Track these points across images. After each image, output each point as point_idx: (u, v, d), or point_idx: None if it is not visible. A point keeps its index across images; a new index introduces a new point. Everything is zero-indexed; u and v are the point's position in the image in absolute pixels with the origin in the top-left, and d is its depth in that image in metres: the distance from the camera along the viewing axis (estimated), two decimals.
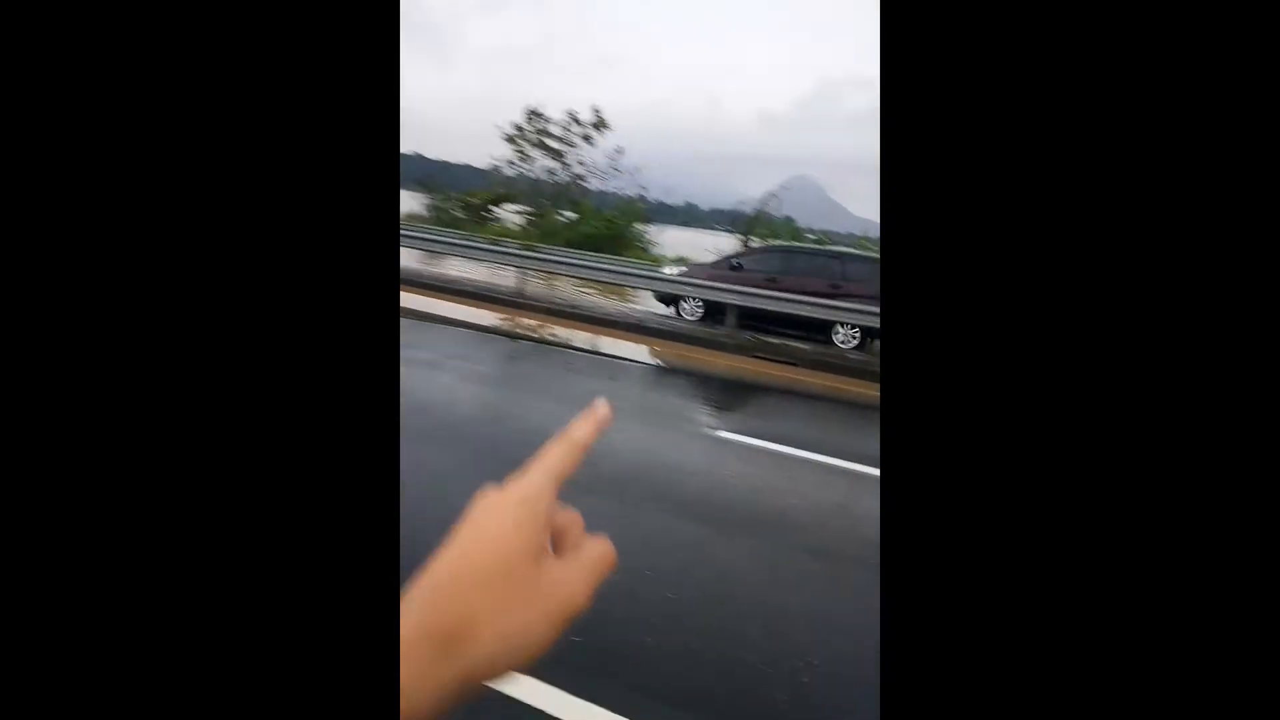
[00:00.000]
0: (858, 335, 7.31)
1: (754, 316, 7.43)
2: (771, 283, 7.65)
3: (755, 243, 12.26)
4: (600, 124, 18.48)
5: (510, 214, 18.45)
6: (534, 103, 19.09)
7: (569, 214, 17.82)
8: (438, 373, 4.85)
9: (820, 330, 7.43)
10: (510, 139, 18.88)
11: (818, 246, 11.12)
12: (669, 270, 9.20)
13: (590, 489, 3.07)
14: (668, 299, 8.48)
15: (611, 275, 8.72)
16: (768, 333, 7.52)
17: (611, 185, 19.21)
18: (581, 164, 19.08)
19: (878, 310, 5.83)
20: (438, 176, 21.70)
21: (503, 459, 3.34)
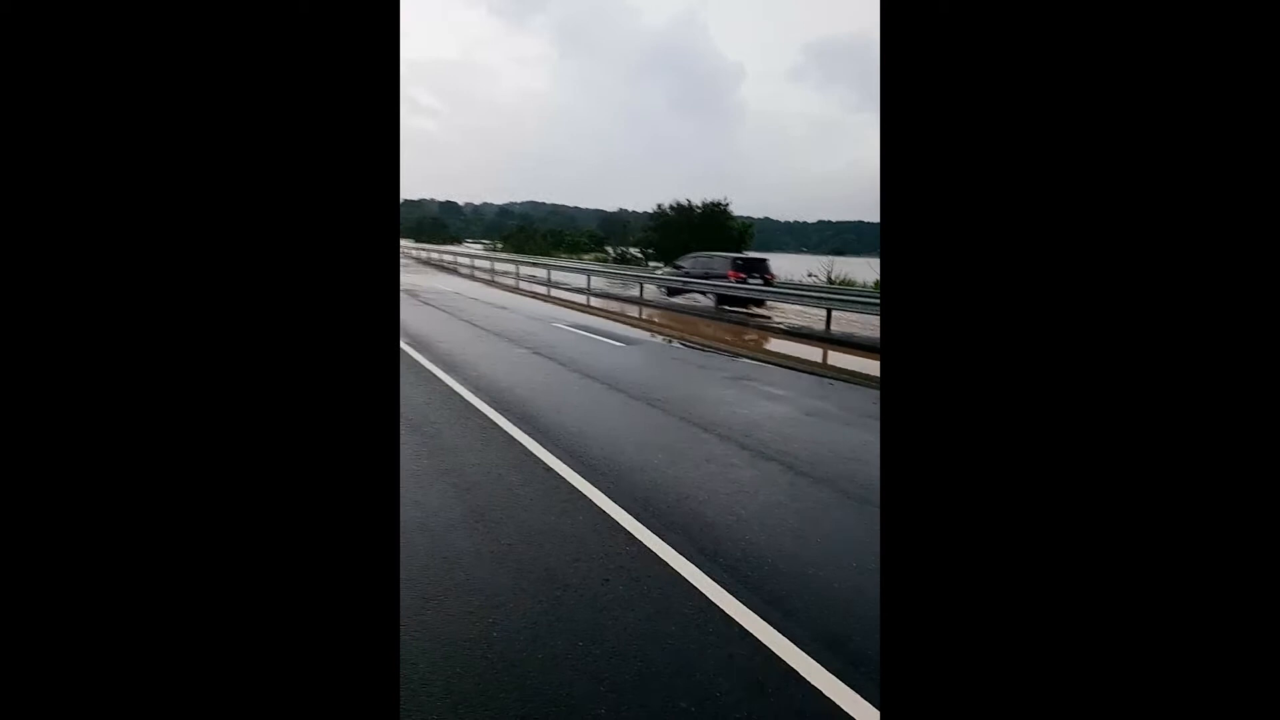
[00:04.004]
0: (712, 297, 13.95)
1: (677, 292, 15.45)
2: (685, 273, 15.51)
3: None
4: None
5: None
6: None
7: None
8: None
9: (699, 293, 14.47)
10: None
11: (702, 252, 17.00)
12: (660, 272, 18.35)
13: None
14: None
15: None
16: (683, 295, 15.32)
17: None
18: None
19: (719, 283, 13.78)
20: None
21: None
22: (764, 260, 15.07)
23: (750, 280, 13.59)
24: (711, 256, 15.71)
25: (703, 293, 14.26)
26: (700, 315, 12.88)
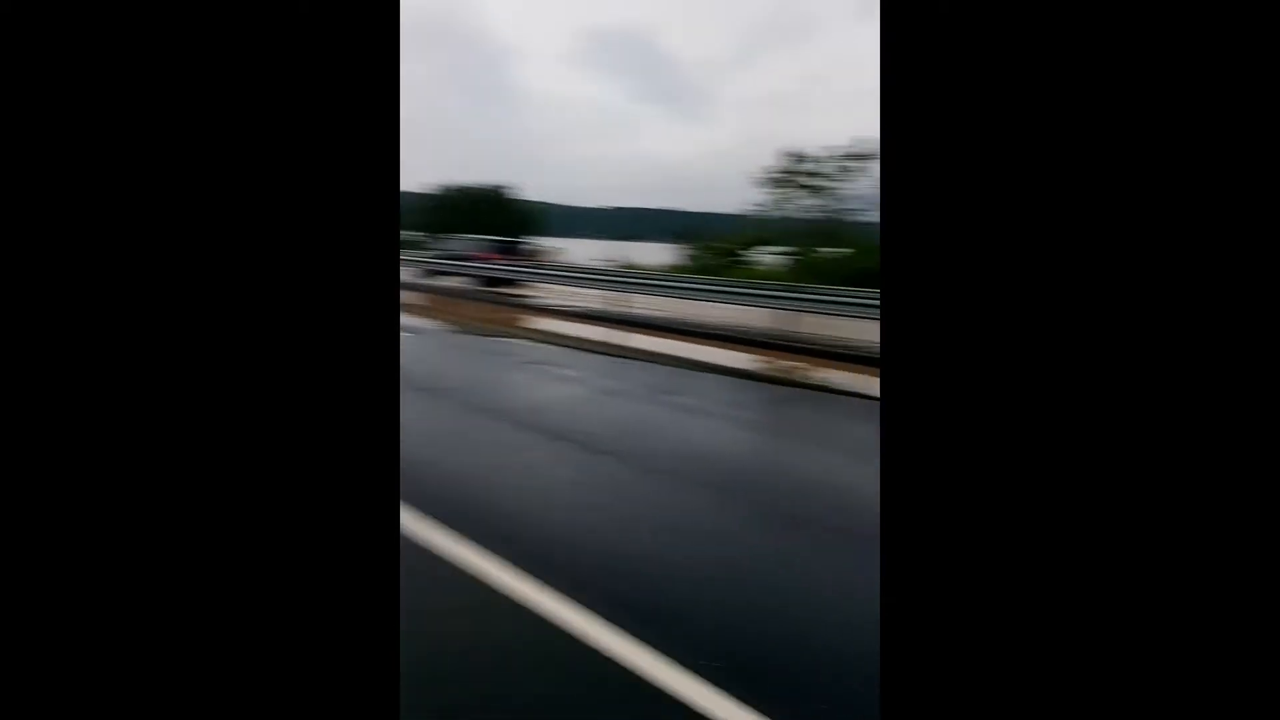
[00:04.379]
0: (476, 279, 14.25)
1: (447, 273, 15.42)
2: (447, 255, 16.63)
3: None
4: (870, 155, 17.90)
5: (768, 256, 18.67)
6: (793, 144, 19.35)
7: (839, 250, 17.31)
8: (710, 420, 4.98)
9: (460, 273, 14.95)
10: (768, 182, 19.32)
11: (461, 235, 18.44)
12: (424, 254, 18.50)
13: None
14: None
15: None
16: (450, 278, 15.18)
17: None
18: (853, 198, 18.61)
19: (480, 265, 14.50)
20: (694, 227, 23.09)
21: (789, 517, 3.23)
22: (517, 243, 17.00)
23: (507, 261, 14.75)
24: (469, 239, 16.93)
25: (464, 275, 15.01)
26: (477, 299, 13.00)
